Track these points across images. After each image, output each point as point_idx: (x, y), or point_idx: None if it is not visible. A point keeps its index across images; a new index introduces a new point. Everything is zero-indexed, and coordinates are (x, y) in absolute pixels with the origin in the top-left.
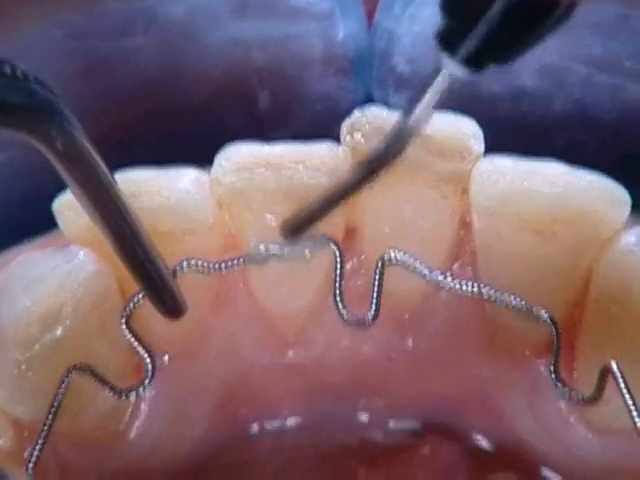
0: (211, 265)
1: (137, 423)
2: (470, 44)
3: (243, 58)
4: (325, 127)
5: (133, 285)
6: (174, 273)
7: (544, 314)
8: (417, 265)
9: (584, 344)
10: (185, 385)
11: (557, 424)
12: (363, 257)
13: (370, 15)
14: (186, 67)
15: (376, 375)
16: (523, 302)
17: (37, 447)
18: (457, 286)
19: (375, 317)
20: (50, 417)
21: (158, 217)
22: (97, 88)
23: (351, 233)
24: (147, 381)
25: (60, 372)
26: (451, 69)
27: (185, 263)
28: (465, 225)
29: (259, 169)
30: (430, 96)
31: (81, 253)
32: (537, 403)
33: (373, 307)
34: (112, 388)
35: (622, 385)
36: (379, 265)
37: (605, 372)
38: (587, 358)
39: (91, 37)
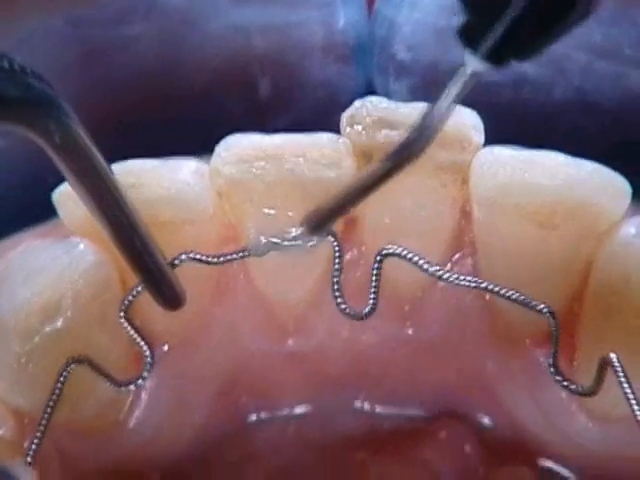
0: (210, 258)
1: (137, 412)
2: (492, 39)
3: (244, 45)
4: (326, 114)
5: (134, 276)
6: (172, 264)
7: (543, 307)
8: (415, 259)
9: (584, 335)
10: (186, 374)
11: (558, 412)
12: (363, 248)
13: (370, 3)
14: (187, 54)
15: (377, 364)
16: (522, 297)
17: (36, 441)
18: (455, 278)
19: (372, 311)
20: (49, 410)
21: (158, 208)
22: (97, 76)
23: (351, 223)
24: (146, 372)
25: (60, 363)
26: (474, 65)
27: (184, 256)
28: (466, 215)
29: (259, 161)
30: (453, 91)
31: (81, 244)
32: (538, 391)
33: (371, 301)
34: (110, 379)
35: (622, 377)
36: (377, 259)
37: (604, 364)
38: (587, 349)
39: (91, 25)
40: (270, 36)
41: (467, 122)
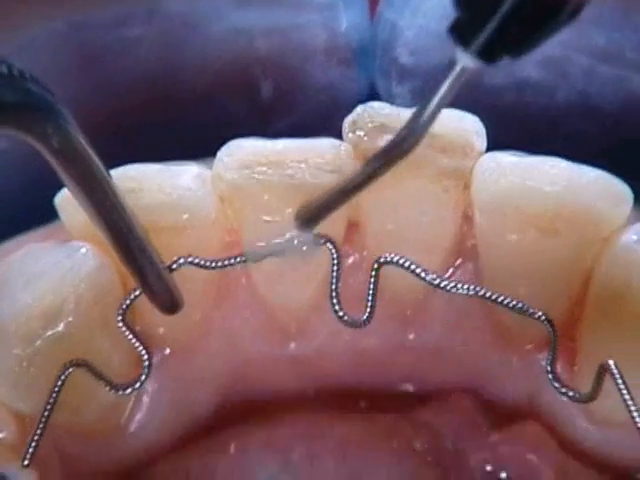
0: (209, 262)
1: (139, 416)
2: (483, 37)
3: (246, 48)
4: (328, 117)
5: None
6: (170, 268)
7: (541, 315)
8: (413, 267)
9: (585, 340)
10: (187, 377)
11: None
12: (365, 252)
13: (373, 6)
14: (188, 57)
15: (378, 367)
16: (520, 304)
17: (33, 444)
18: (452, 288)
19: (369, 318)
20: (46, 414)
21: (160, 213)
22: (98, 79)
23: (353, 228)
24: (144, 376)
25: (62, 368)
26: (465, 62)
27: (182, 260)
28: (468, 220)
29: (261, 167)
30: (445, 89)
31: (83, 248)
32: (538, 395)
33: (368, 309)
34: (109, 383)
35: (620, 383)
36: (374, 267)
37: (602, 370)
38: (588, 354)
39: (92, 28)
40: (272, 39)
41: (469, 128)
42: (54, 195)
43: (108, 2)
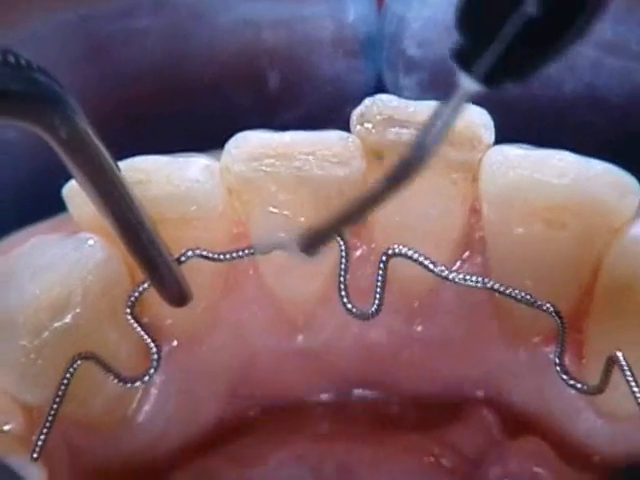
0: (217, 255)
1: (146, 408)
2: (487, 61)
3: (253, 39)
4: (335, 108)
5: None
6: (179, 261)
7: (549, 307)
8: (421, 259)
9: (593, 332)
10: (195, 369)
11: (565, 409)
12: (373, 245)
13: None
14: (195, 48)
15: (386, 360)
16: (528, 295)
17: (42, 437)
18: (461, 280)
19: (378, 311)
20: (55, 406)
21: (168, 205)
22: (105, 70)
23: None
24: (152, 369)
25: (69, 360)
26: (469, 86)
27: (190, 252)
28: (475, 213)
29: (268, 159)
30: (449, 113)
31: (90, 240)
32: (546, 388)
33: (376, 301)
34: (117, 376)
35: (628, 375)
36: (383, 259)
37: (610, 363)
38: (596, 346)
39: (98, 19)
40: (279, 30)
41: (477, 121)
42: (62, 186)
43: None
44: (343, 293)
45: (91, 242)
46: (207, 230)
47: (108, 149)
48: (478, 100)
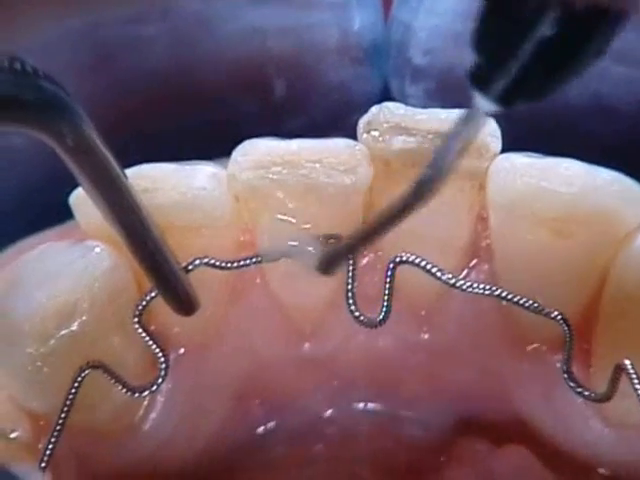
0: (224, 263)
1: (153, 415)
2: (503, 83)
3: (259, 47)
4: (341, 116)
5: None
6: (186, 269)
7: (556, 315)
8: (429, 266)
9: (600, 341)
10: (202, 377)
11: (573, 417)
12: (380, 253)
13: (387, 7)
14: (202, 56)
15: (393, 369)
16: (535, 303)
17: (50, 446)
18: (468, 287)
19: (385, 318)
20: (63, 416)
21: (175, 213)
22: (112, 78)
23: None
24: (160, 379)
25: (76, 367)
26: (484, 106)
27: (198, 261)
28: (482, 221)
29: (275, 167)
30: (465, 132)
31: (97, 248)
32: (554, 397)
33: (384, 309)
34: (125, 386)
35: (636, 383)
36: (389, 267)
37: (618, 370)
38: (603, 355)
39: (106, 26)
40: (286, 38)
41: (484, 129)
42: (69, 194)
43: (122, 0)
44: (351, 301)
45: (98, 250)
46: (214, 238)
47: (115, 157)
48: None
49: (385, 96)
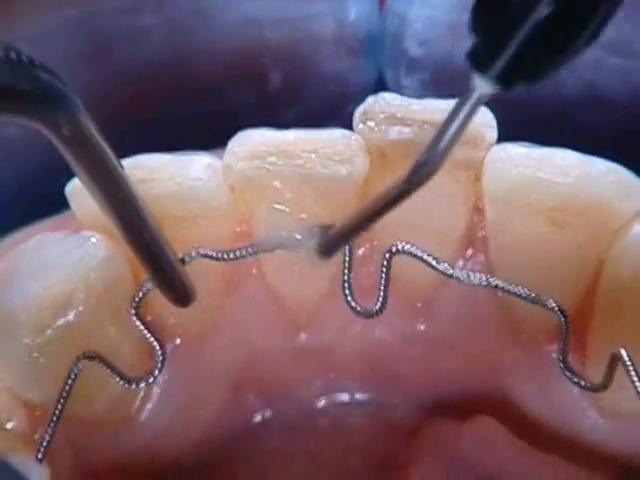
0: (221, 255)
1: (149, 406)
2: (501, 62)
3: (256, 38)
4: (336, 106)
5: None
6: (183, 261)
7: (553, 304)
8: (425, 257)
9: (595, 331)
10: (197, 369)
11: (568, 407)
12: (376, 243)
13: None
14: (198, 46)
15: (389, 359)
16: (532, 293)
17: (47, 437)
18: (465, 277)
19: (382, 309)
20: (59, 407)
21: (171, 203)
22: (108, 68)
23: None
24: (157, 371)
25: (72, 357)
26: (483, 88)
27: (194, 252)
28: (478, 212)
29: (271, 157)
30: (463, 115)
31: (93, 238)
32: (550, 387)
33: (380, 299)
34: (122, 377)
35: (632, 372)
36: (385, 257)
37: (614, 360)
38: (598, 345)
39: (102, 16)
40: (282, 29)
41: (479, 119)
42: (64, 184)
43: None
44: (347, 291)
45: (94, 240)
46: (210, 228)
47: (111, 147)
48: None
49: (381, 87)
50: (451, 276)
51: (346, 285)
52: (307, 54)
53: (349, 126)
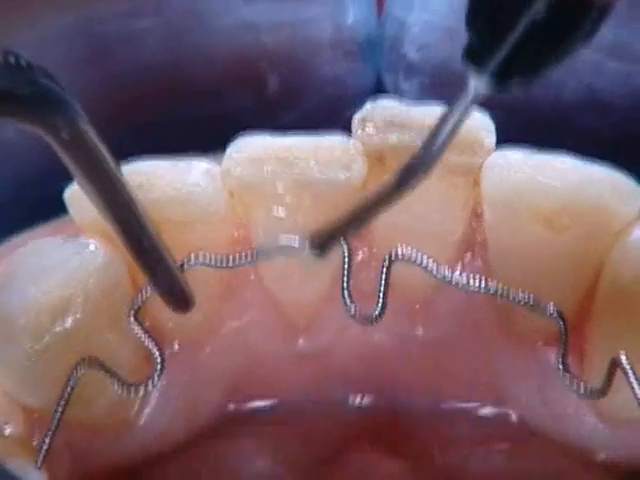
0: (220, 262)
1: (147, 410)
2: (496, 61)
3: (253, 42)
4: (334, 111)
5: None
6: (182, 266)
7: (552, 309)
8: (424, 261)
9: (595, 336)
10: (195, 373)
11: (567, 412)
12: (374, 249)
13: (381, 1)
14: (196, 50)
15: (387, 362)
16: (531, 297)
17: (45, 444)
18: (464, 282)
19: (381, 314)
20: (58, 414)
21: (170, 209)
22: (106, 72)
23: None
24: (156, 377)
25: (70, 362)
26: (478, 86)
27: (193, 257)
28: (477, 216)
29: (269, 163)
30: (458, 114)
31: (92, 244)
32: (548, 391)
33: (379, 304)
34: (121, 382)
35: (631, 377)
36: (385, 262)
37: (614, 365)
38: (598, 350)
39: (100, 20)
40: (279, 33)
41: (478, 125)
42: (63, 189)
43: None
44: (346, 297)
45: (92, 245)
46: (209, 233)
47: (109, 151)
48: (479, 104)
49: (379, 91)
50: (450, 282)
51: (345, 291)
52: (305, 58)
53: (347, 130)
